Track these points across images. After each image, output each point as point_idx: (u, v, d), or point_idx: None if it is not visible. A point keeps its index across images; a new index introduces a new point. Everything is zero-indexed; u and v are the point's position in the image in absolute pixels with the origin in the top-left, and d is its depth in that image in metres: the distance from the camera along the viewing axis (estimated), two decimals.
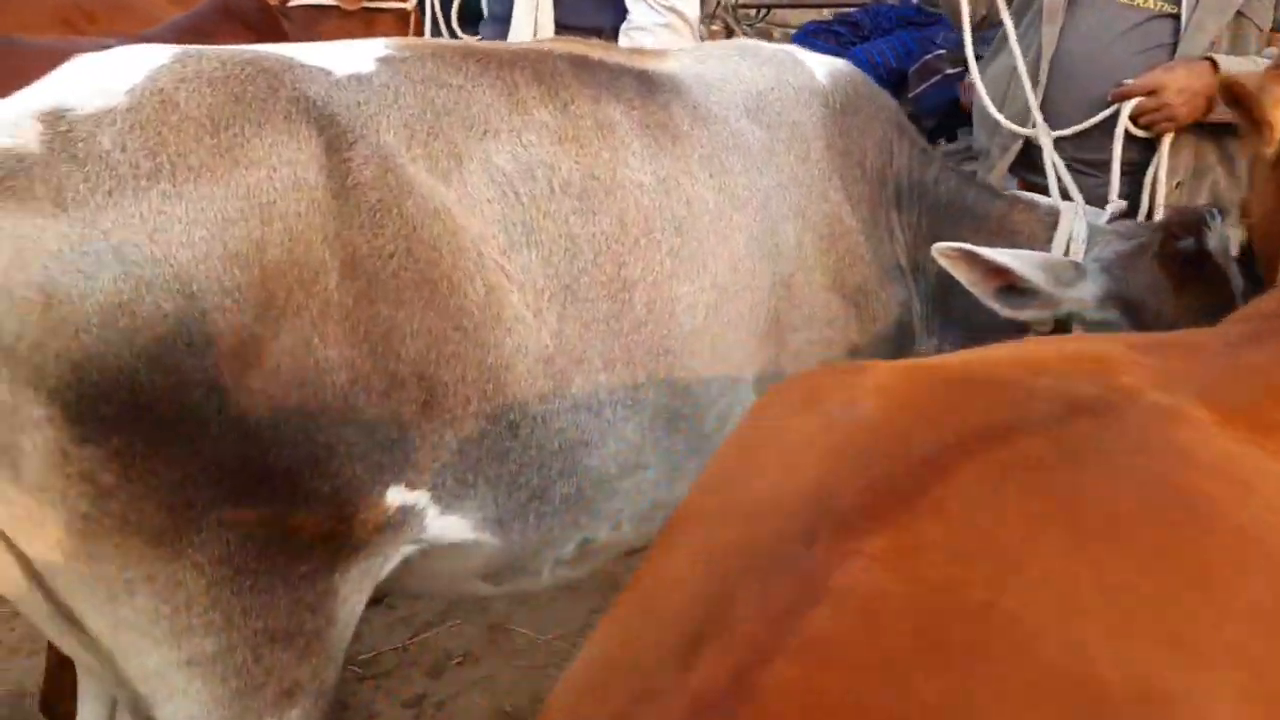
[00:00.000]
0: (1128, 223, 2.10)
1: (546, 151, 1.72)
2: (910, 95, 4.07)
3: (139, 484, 1.33)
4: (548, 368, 1.64)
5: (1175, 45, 2.31)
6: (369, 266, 1.46)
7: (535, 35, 2.68)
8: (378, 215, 1.48)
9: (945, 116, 4.24)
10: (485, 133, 1.67)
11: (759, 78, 2.06)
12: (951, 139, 4.43)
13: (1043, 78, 2.39)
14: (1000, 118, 2.41)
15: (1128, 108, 2.27)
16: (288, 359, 1.39)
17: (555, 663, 3.09)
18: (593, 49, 1.95)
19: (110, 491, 1.32)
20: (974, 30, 2.90)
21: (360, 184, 1.48)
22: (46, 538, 1.33)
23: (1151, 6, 2.33)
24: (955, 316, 2.12)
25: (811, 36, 4.54)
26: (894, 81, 4.13)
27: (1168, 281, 1.85)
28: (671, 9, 2.59)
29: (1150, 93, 2.26)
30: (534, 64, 1.82)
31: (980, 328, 2.01)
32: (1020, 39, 2.40)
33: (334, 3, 3.41)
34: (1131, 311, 1.88)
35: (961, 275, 1.89)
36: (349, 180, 1.47)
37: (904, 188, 2.16)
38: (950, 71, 3.98)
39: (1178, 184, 2.31)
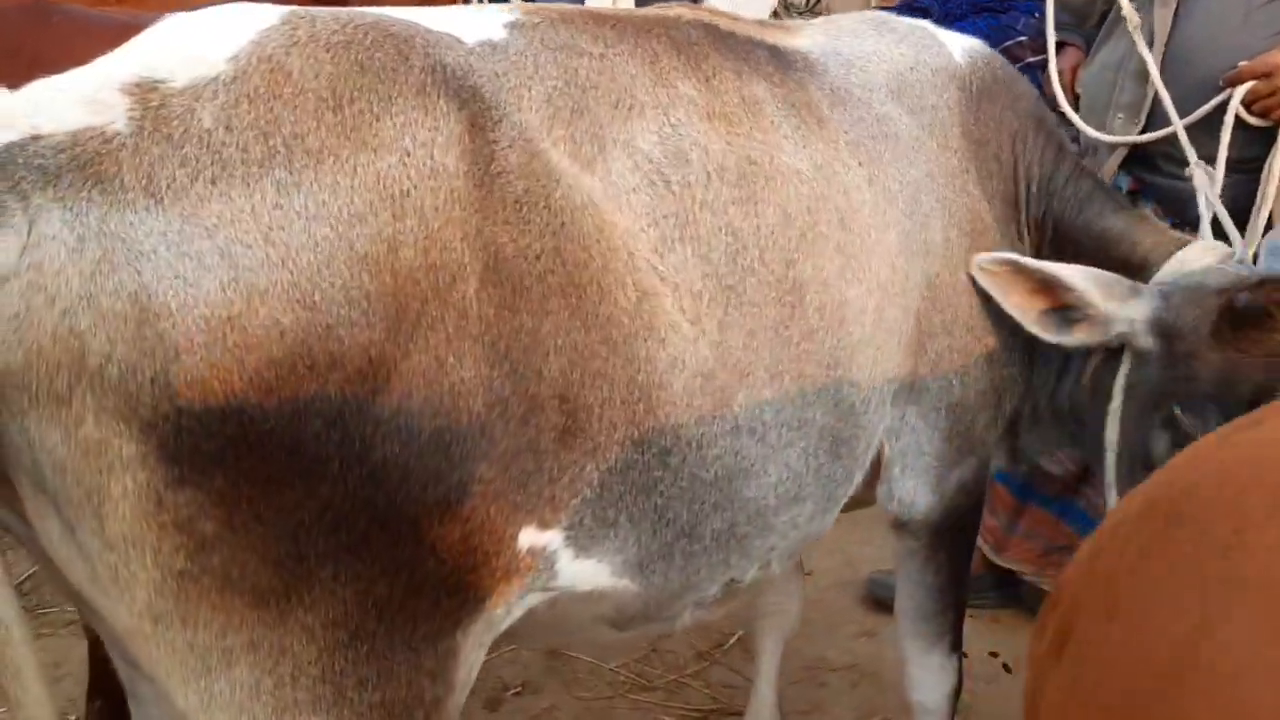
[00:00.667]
0: (1244, 267, 1.84)
1: (697, 131, 1.51)
2: None
3: (244, 534, 1.10)
4: (706, 384, 1.42)
5: None
6: (513, 270, 1.23)
7: None
8: (524, 209, 1.26)
9: None
10: (631, 110, 1.46)
11: (898, 56, 1.89)
12: None
13: (1155, 72, 2.15)
14: (1084, 127, 2.25)
15: (1239, 93, 2.07)
16: (420, 382, 1.16)
17: (621, 693, 2.87)
18: (719, 17, 1.74)
19: (210, 543, 1.09)
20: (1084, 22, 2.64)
21: (505, 171, 1.25)
22: (133, 600, 1.10)
23: None
24: None
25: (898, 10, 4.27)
26: None
27: (1216, 325, 1.65)
28: None
29: (1266, 75, 2.08)
30: (669, 31, 1.62)
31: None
32: (1124, 31, 2.22)
33: None
34: (1167, 342, 1.70)
35: (1001, 294, 1.75)
36: (493, 167, 1.24)
37: (1035, 186, 1.98)
38: (1032, 60, 3.72)
39: None
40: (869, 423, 1.66)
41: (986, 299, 1.81)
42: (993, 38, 3.73)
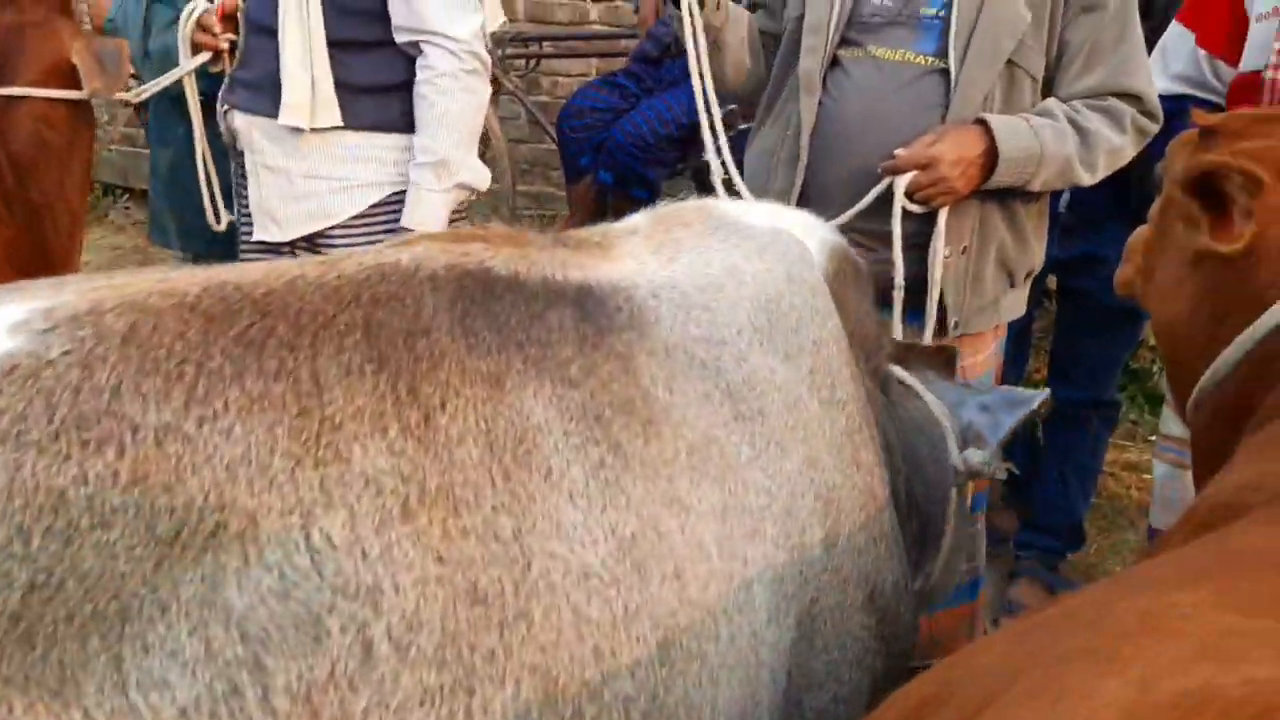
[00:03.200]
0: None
1: (366, 554, 0.95)
2: (704, 153, 3.76)
3: None
4: None
5: (947, 99, 2.09)
6: None
7: (310, 66, 2.34)
8: None
9: (741, 171, 3.68)
10: (221, 540, 0.91)
11: (761, 276, 1.39)
12: None
13: (804, 155, 2.15)
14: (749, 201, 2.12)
15: (902, 184, 2.04)
16: None
17: None
18: (501, 248, 1.22)
19: None
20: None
21: None
22: None
23: (921, 63, 2.11)
24: None
25: (595, 91, 4.18)
26: (683, 138, 3.84)
27: None
28: (475, 55, 2.35)
29: (925, 166, 2.04)
30: (371, 313, 1.05)
31: None
32: (779, 113, 2.24)
33: None
34: None
35: None
36: None
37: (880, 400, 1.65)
38: (743, 127, 3.79)
39: (964, 249, 2.12)
40: None
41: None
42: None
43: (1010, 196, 2.15)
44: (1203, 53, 2.41)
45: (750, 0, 2.39)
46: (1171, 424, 2.48)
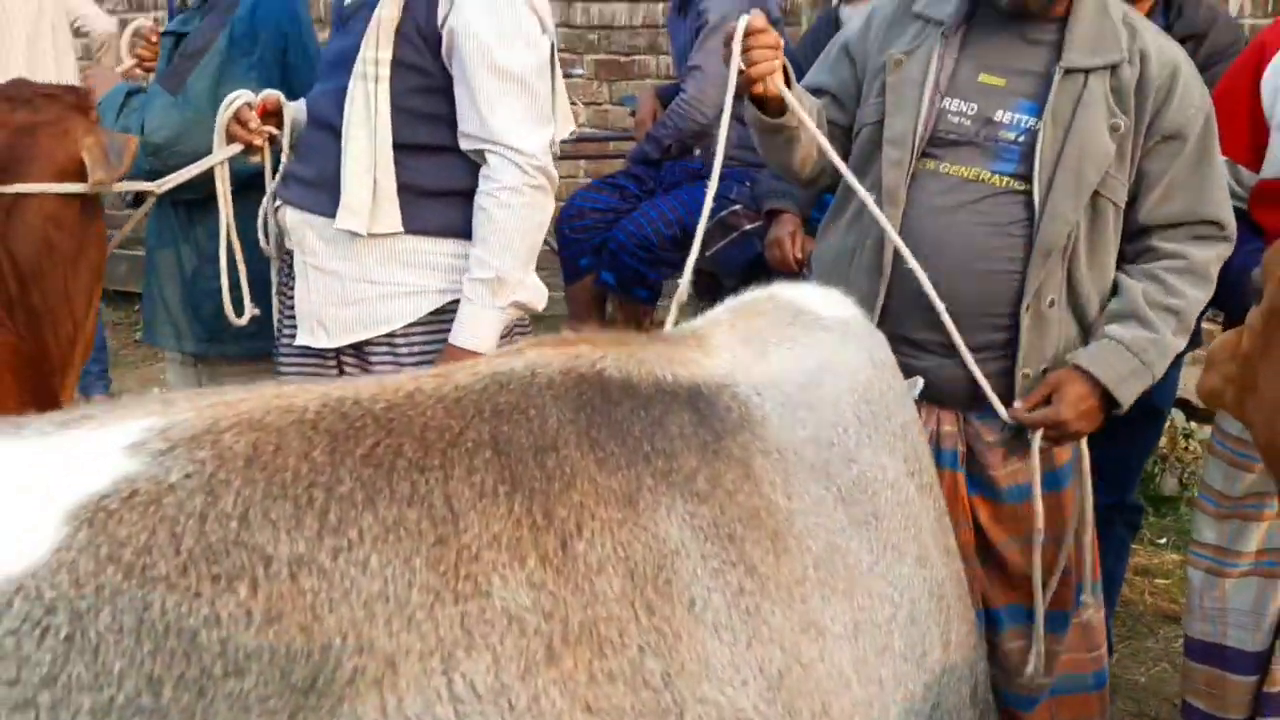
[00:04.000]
0: None
1: (512, 701, 0.89)
2: (708, 254, 3.75)
3: None
4: None
5: (1030, 221, 2.10)
6: None
7: (374, 168, 2.29)
8: None
9: (747, 274, 3.87)
10: (359, 683, 0.83)
11: (853, 364, 1.36)
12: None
13: (887, 268, 2.16)
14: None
15: (1037, 439, 2.12)
16: None
17: None
18: (603, 345, 1.20)
19: None
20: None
21: None
22: None
23: (996, 182, 2.12)
24: None
25: (596, 192, 4.20)
26: (688, 240, 3.74)
27: None
28: (542, 170, 2.30)
29: (1045, 401, 2.12)
30: (498, 428, 1.01)
31: None
32: (856, 216, 2.24)
33: None
34: None
35: None
36: None
37: None
38: (749, 228, 3.80)
39: (1043, 371, 2.16)
40: None
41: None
42: (713, 206, 3.84)
43: (1087, 321, 2.20)
44: (1224, 160, 2.45)
45: (814, 84, 2.36)
46: (1206, 530, 2.44)
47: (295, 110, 2.68)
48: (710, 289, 4.08)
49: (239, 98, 2.60)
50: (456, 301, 2.35)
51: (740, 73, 2.01)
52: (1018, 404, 2.15)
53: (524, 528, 0.95)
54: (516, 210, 2.29)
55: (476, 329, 2.30)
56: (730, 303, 1.52)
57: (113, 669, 0.74)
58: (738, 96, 2.06)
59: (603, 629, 0.94)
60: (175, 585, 0.79)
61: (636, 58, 5.39)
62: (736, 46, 2.01)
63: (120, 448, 0.84)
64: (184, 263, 3.09)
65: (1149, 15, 2.85)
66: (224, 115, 2.60)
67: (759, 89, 2.06)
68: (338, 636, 0.82)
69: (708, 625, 1.00)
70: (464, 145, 2.32)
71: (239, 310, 2.73)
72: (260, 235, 2.68)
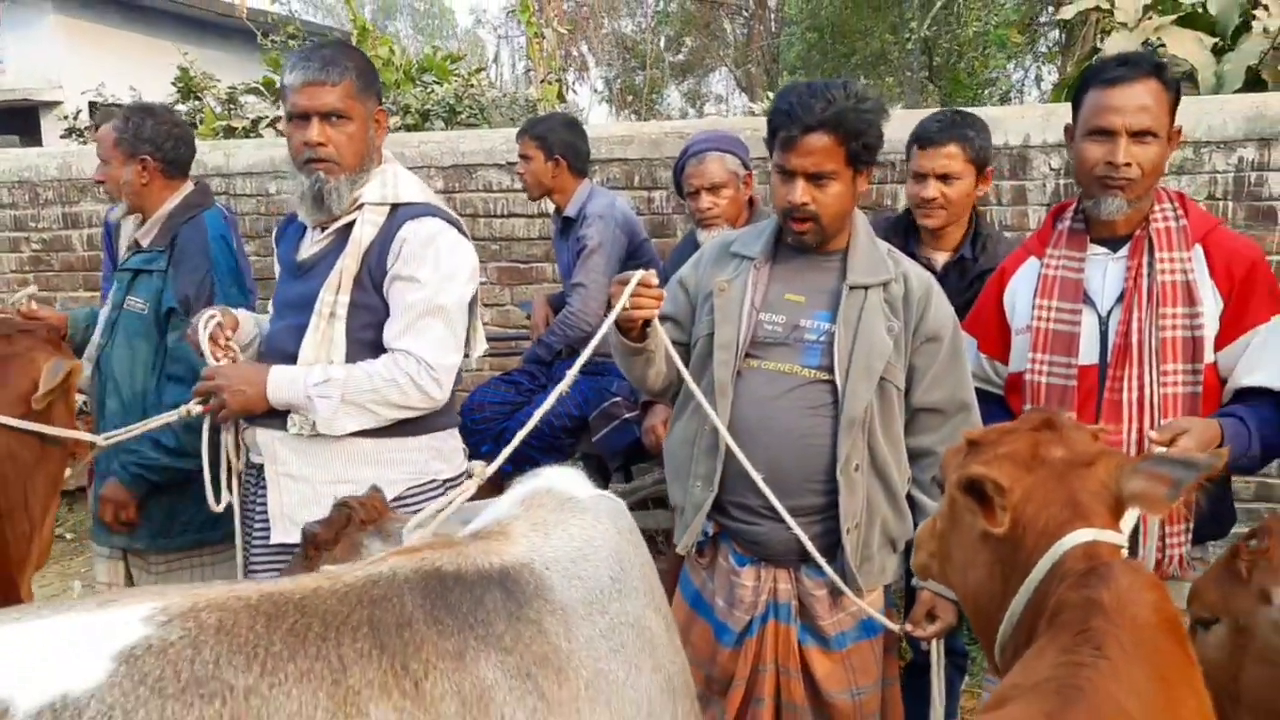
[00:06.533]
0: None
1: None
2: (594, 440, 4.33)
3: None
4: None
5: (835, 403, 2.58)
6: None
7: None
8: None
9: (628, 458, 4.49)
10: None
11: (609, 537, 1.85)
12: (628, 478, 4.26)
13: (722, 449, 2.59)
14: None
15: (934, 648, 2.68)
16: None
17: None
18: (442, 551, 1.67)
19: None
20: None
21: None
22: None
23: (807, 375, 2.61)
24: None
25: (494, 388, 4.65)
26: (576, 428, 4.38)
27: None
28: (436, 381, 2.77)
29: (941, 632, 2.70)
30: (374, 611, 1.49)
31: None
32: (695, 410, 2.68)
33: None
34: None
35: None
36: None
37: None
38: (628, 416, 4.30)
39: (855, 525, 2.59)
40: None
41: None
42: (592, 399, 4.36)
43: (887, 475, 2.65)
44: (984, 356, 3.03)
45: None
46: None
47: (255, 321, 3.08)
48: (600, 468, 4.59)
49: (213, 318, 2.89)
50: (413, 489, 2.76)
51: (624, 309, 2.50)
52: (908, 626, 2.67)
53: (389, 675, 1.43)
54: (396, 378, 2.71)
55: (281, 385, 2.71)
56: (517, 493, 2.01)
57: None
58: (618, 327, 2.58)
59: None
60: (179, 699, 1.28)
61: (534, 265, 5.99)
62: (629, 290, 2.46)
63: (139, 619, 1.35)
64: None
65: (958, 248, 3.55)
66: (206, 329, 2.86)
67: (635, 325, 2.57)
68: None
69: None
70: (387, 346, 2.76)
71: (216, 498, 2.93)
72: (230, 456, 2.94)
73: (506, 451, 2.30)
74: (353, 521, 2.14)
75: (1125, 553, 1.69)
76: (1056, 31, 15.37)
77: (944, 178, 3.46)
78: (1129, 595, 1.55)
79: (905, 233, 3.62)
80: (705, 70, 24.47)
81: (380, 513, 2.21)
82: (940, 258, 3.55)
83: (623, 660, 1.69)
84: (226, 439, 2.90)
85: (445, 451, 2.95)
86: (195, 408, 2.85)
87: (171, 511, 3.30)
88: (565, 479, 2.06)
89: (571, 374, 2.55)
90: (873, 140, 2.60)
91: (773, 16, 21.81)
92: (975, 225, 3.59)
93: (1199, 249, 2.75)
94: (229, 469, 2.93)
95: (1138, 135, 2.67)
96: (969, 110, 3.73)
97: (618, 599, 1.75)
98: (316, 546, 2.13)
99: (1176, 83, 2.76)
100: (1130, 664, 1.46)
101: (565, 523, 1.85)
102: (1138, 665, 1.46)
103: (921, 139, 3.50)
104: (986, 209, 5.22)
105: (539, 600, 1.66)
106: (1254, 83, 5.58)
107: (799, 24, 19.73)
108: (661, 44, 22.94)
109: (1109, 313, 2.79)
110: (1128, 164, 2.67)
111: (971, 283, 3.46)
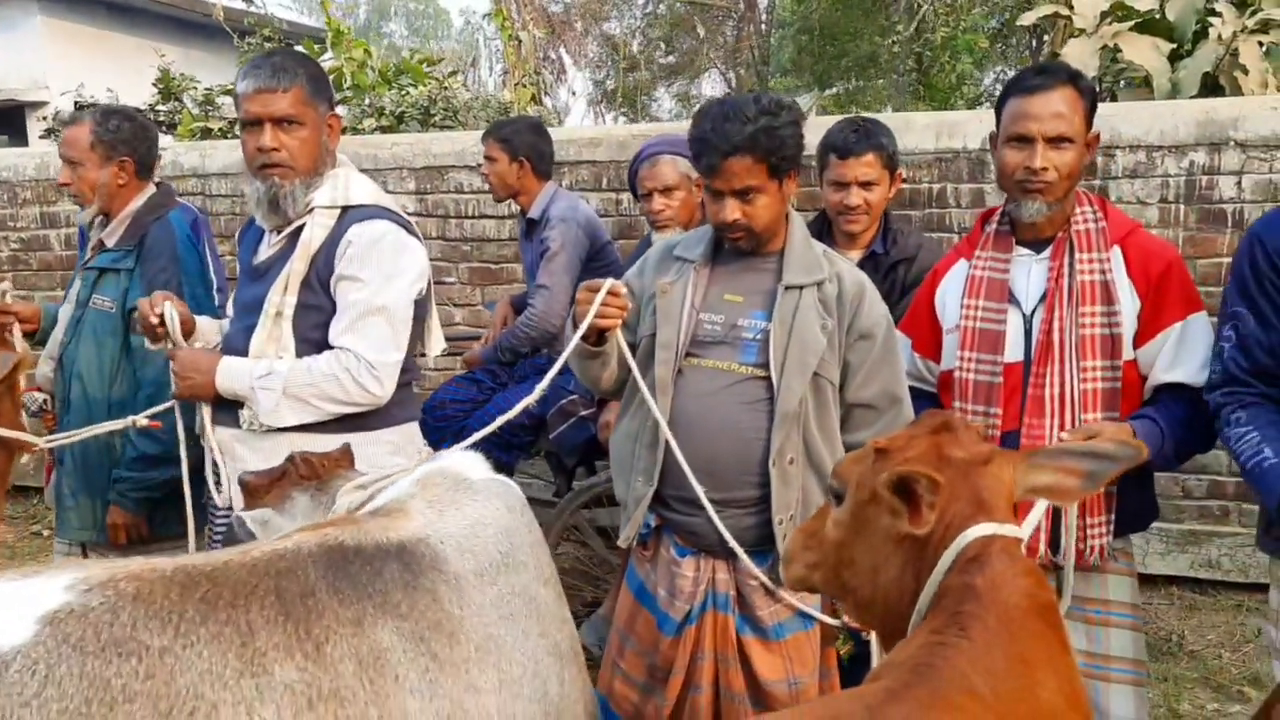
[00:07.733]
0: None
1: None
2: (551, 436, 4.40)
3: None
4: None
5: (771, 399, 2.67)
6: None
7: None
8: None
9: (585, 454, 4.54)
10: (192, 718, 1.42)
11: (499, 514, 2.02)
12: (591, 472, 4.30)
13: (661, 440, 2.70)
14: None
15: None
16: None
17: None
18: (344, 527, 1.82)
19: None
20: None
21: None
22: None
23: (743, 371, 2.70)
24: None
25: (456, 386, 4.71)
26: (534, 426, 4.45)
27: None
28: (378, 380, 2.82)
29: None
30: (280, 582, 1.62)
31: None
32: (639, 406, 2.79)
33: None
34: None
35: None
36: None
37: None
38: (584, 413, 4.38)
39: (790, 517, 2.68)
40: None
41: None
42: (550, 396, 4.43)
43: (825, 475, 2.68)
44: (918, 355, 3.12)
45: None
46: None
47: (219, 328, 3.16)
48: (557, 464, 4.67)
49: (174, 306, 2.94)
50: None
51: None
52: (846, 617, 2.66)
53: (293, 639, 1.55)
54: (338, 373, 2.77)
55: (229, 374, 2.80)
56: (417, 474, 2.14)
57: (67, 693, 1.34)
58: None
59: (343, 693, 1.56)
60: (99, 656, 1.40)
61: (505, 265, 6.08)
62: (599, 299, 2.61)
63: (61, 587, 1.47)
64: (90, 460, 3.52)
65: (869, 245, 3.69)
66: (174, 324, 2.93)
67: (597, 331, 2.68)
68: (185, 689, 1.43)
69: (406, 690, 1.63)
70: (331, 343, 2.83)
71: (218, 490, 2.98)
72: (209, 471, 3.01)
73: (467, 443, 2.40)
74: (288, 475, 2.25)
75: (1024, 545, 1.76)
76: (1029, 37, 15.51)
77: (865, 185, 3.62)
78: (1002, 580, 1.62)
79: (819, 235, 3.70)
80: (696, 72, 24.59)
81: (327, 470, 2.31)
82: (855, 255, 3.68)
83: (511, 626, 1.84)
84: (209, 436, 2.96)
85: (405, 446, 3.01)
86: (142, 420, 2.94)
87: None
88: (461, 462, 2.19)
89: (540, 388, 2.66)
90: (791, 151, 2.69)
91: (763, 19, 21.94)
92: (885, 222, 3.75)
93: (1117, 250, 2.85)
94: (215, 464, 2.99)
95: (1054, 141, 2.78)
96: (873, 115, 3.92)
97: (506, 572, 1.91)
98: (250, 493, 2.26)
99: (1093, 90, 2.87)
100: (991, 646, 1.53)
101: (459, 501, 2.00)
102: (999, 647, 1.53)
103: (840, 149, 3.64)
104: (946, 211, 5.33)
105: (433, 571, 1.79)
106: (1212, 88, 5.68)
107: (790, 26, 19.84)
108: (647, 45, 23.01)
109: (1033, 311, 2.89)
110: (1044, 168, 2.78)
111: (886, 274, 3.61)
